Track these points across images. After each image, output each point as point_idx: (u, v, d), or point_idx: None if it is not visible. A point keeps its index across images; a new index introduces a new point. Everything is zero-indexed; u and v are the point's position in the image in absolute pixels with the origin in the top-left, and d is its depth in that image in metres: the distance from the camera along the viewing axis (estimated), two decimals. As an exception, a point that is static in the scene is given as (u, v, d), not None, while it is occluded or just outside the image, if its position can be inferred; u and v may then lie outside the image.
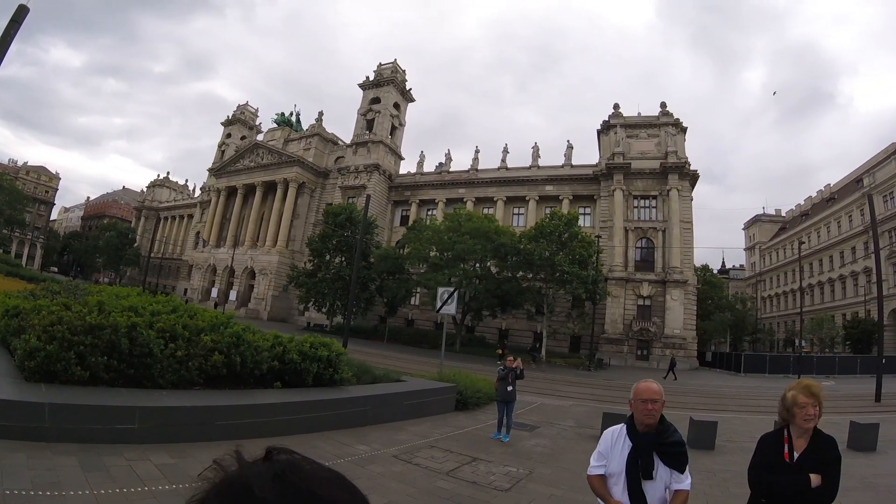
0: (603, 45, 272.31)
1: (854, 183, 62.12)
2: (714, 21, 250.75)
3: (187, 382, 7.29)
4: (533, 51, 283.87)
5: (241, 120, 76.01)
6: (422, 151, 60.57)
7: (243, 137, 72.43)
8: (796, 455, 2.70)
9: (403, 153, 61.13)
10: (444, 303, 15.86)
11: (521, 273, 37.48)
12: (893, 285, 47.05)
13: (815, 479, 2.57)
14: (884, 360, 24.14)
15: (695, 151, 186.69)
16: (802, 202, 78.84)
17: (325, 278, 42.51)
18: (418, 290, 43.55)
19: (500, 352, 32.88)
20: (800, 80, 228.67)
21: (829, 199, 68.17)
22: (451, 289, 17.22)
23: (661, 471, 2.71)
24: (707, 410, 15.94)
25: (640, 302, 43.10)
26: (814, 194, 76.47)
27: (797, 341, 47.46)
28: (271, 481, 0.59)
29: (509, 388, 9.21)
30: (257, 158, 62.96)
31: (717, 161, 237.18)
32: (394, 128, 59.88)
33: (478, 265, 37.90)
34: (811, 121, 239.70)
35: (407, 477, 6.31)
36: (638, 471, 2.69)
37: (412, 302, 48.09)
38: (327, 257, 43.25)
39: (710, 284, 63.70)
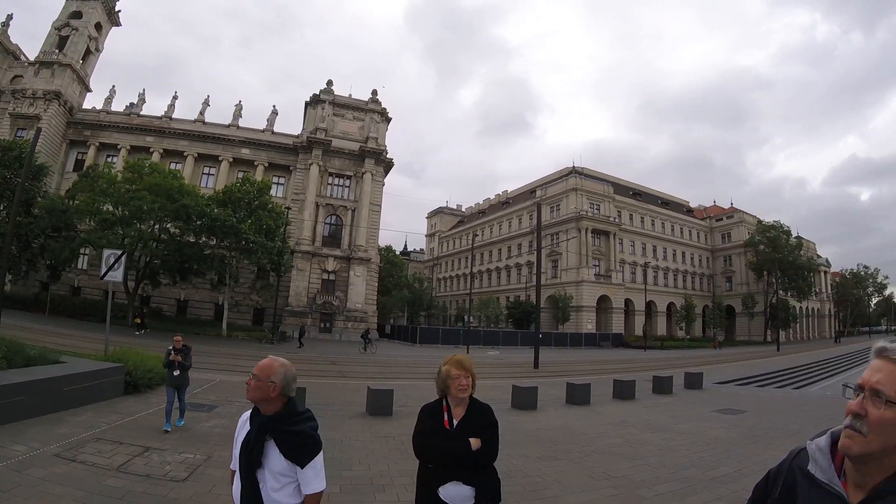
0: (342, 26, 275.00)
1: (528, 193, 78.23)
2: (450, 39, 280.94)
3: None
4: (265, 6, 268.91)
5: None
6: (113, 86, 50.30)
7: None
8: (455, 422, 2.89)
9: (97, 88, 51.84)
10: (111, 268, 14.33)
11: (204, 238, 35.44)
12: (550, 277, 61.74)
13: (474, 442, 2.79)
14: (541, 335, 29.59)
15: (402, 147, 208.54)
16: (481, 202, 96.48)
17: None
18: (87, 250, 37.73)
19: (137, 321, 31.45)
20: (508, 106, 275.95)
21: (505, 202, 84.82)
22: (119, 252, 15.48)
23: (275, 462, 2.25)
24: (384, 379, 17.14)
25: (326, 276, 45.71)
26: (492, 197, 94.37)
27: (466, 317, 54.07)
28: None
29: (176, 373, 8.53)
30: None
31: (419, 158, 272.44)
32: (89, 52, 50.08)
33: (157, 226, 34.34)
34: (507, 140, 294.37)
35: (72, 478, 5.62)
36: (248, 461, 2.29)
37: (79, 265, 41.58)
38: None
39: (392, 263, 71.48)
